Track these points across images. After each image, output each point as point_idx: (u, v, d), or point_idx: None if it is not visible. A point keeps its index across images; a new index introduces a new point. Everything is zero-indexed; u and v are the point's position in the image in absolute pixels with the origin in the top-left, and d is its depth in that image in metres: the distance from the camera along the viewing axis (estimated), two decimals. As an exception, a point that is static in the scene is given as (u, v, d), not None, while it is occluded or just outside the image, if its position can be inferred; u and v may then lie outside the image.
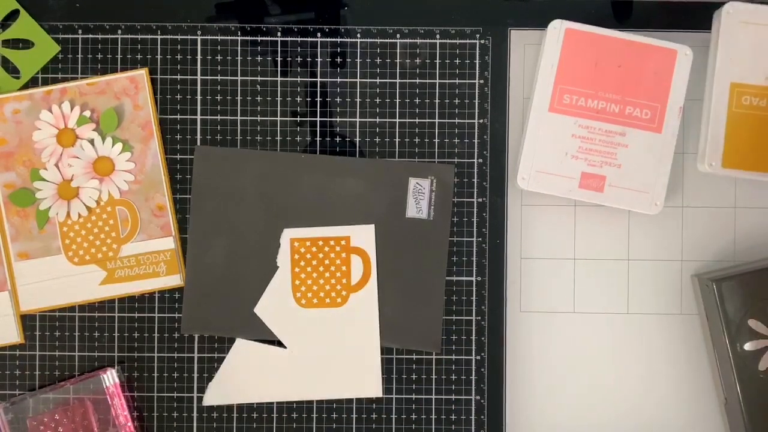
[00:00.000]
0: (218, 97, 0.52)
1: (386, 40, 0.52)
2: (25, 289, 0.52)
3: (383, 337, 0.51)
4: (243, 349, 0.51)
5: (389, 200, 0.51)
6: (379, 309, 0.51)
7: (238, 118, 0.52)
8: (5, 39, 0.52)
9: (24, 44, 0.52)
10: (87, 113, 0.51)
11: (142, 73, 0.52)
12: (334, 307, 0.51)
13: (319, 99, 0.52)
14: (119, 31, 0.52)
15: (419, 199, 0.51)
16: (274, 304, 0.51)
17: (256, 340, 0.51)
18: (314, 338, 0.51)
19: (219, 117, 0.52)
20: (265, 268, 0.51)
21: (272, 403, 0.52)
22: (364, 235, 0.51)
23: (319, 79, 0.52)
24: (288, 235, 0.51)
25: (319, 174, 0.51)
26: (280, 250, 0.51)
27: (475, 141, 0.52)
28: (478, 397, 0.52)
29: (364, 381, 0.51)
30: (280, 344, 0.51)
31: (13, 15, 0.52)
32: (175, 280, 0.52)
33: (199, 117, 0.52)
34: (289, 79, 0.52)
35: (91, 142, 0.51)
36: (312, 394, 0.51)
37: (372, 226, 0.51)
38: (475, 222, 0.52)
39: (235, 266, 0.51)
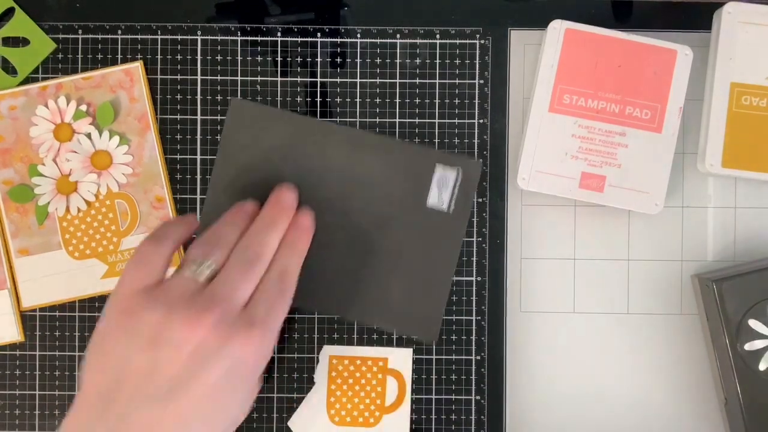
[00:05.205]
0: (218, 97, 0.52)
1: (386, 40, 0.52)
2: (26, 285, 0.52)
3: (382, 318, 0.51)
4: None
5: (412, 185, 0.50)
6: (383, 289, 0.50)
7: (238, 118, 0.52)
8: (1, 37, 0.52)
9: (21, 42, 0.52)
10: (83, 107, 0.51)
11: (137, 66, 0.52)
12: (367, 427, 0.51)
13: (319, 99, 0.52)
14: (119, 31, 0.52)
15: (442, 189, 0.50)
16: (309, 419, 0.51)
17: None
18: None
19: (219, 117, 0.52)
20: None
21: (272, 403, 0.52)
22: (401, 358, 0.51)
23: (319, 79, 0.52)
24: (327, 352, 0.51)
25: (346, 148, 0.50)
26: (318, 366, 0.51)
27: (475, 141, 0.52)
28: (478, 397, 0.52)
29: None
30: None
31: (9, 13, 0.52)
32: (175, 278, 0.52)
33: (199, 117, 0.52)
34: (289, 79, 0.52)
35: (88, 136, 0.51)
36: None
37: (410, 350, 0.51)
38: (475, 222, 0.52)
39: None
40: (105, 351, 0.41)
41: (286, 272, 0.45)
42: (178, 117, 0.52)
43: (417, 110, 0.52)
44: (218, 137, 0.52)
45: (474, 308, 0.52)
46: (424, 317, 0.51)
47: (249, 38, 0.52)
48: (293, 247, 0.46)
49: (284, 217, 0.47)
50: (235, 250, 0.44)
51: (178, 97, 0.52)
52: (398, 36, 0.52)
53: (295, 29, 0.52)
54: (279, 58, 0.52)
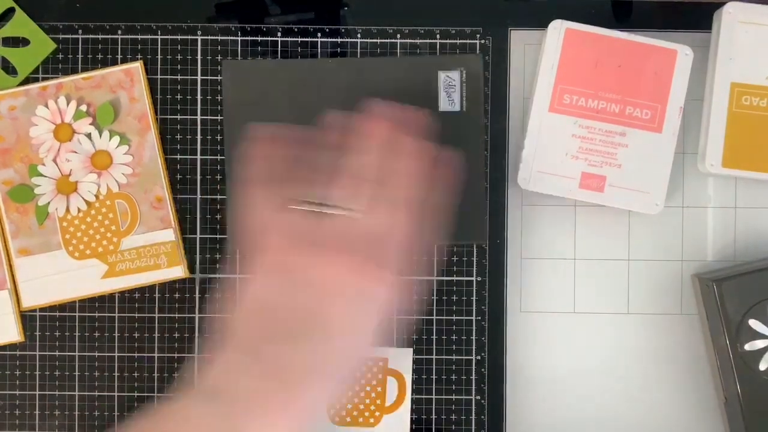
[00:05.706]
0: (218, 97, 0.52)
1: (386, 40, 0.52)
2: (26, 285, 0.52)
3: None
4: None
5: (421, 96, 0.50)
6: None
7: (238, 118, 0.52)
8: (1, 37, 0.52)
9: (21, 42, 0.52)
10: (83, 107, 0.51)
11: (137, 66, 0.52)
12: (367, 427, 0.51)
13: (319, 99, 0.52)
14: (119, 31, 0.52)
15: (451, 92, 0.50)
16: None
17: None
18: None
19: (219, 117, 0.52)
20: None
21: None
22: (401, 358, 0.51)
23: (319, 79, 0.52)
24: None
25: (350, 77, 0.50)
26: None
27: (475, 141, 0.52)
28: (478, 397, 0.52)
29: None
30: None
31: (9, 13, 0.52)
32: (176, 272, 0.52)
33: (199, 117, 0.52)
34: (289, 79, 0.52)
35: (88, 136, 0.52)
36: None
37: (410, 350, 0.51)
38: (475, 222, 0.52)
39: None
40: (246, 292, 0.43)
41: (420, 208, 0.44)
42: (178, 117, 0.52)
43: (417, 110, 0.52)
44: (218, 137, 0.52)
45: (474, 308, 0.52)
46: (470, 220, 0.50)
47: (249, 38, 0.52)
48: (424, 180, 0.44)
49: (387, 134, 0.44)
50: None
51: (178, 97, 0.52)
52: (398, 36, 0.52)
53: (295, 29, 0.52)
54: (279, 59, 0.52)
